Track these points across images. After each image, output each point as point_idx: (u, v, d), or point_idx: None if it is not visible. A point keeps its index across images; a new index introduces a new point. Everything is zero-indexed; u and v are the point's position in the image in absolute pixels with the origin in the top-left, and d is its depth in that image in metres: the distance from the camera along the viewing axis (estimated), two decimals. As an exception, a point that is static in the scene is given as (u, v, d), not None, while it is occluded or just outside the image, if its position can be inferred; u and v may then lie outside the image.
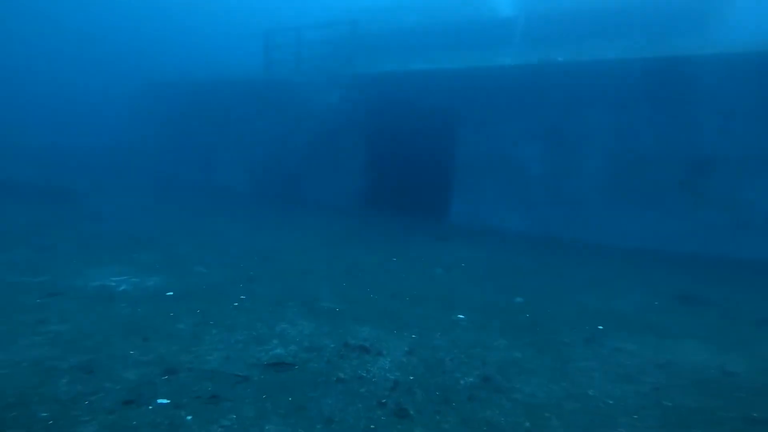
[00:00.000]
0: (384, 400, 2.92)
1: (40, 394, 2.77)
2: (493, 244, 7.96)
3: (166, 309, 4.29)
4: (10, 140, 15.68)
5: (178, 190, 12.62)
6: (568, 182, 8.71)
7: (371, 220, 9.83)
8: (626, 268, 6.71)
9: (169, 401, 2.78)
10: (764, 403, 3.08)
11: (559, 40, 10.38)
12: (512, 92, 9.12)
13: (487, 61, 8.40)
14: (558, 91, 8.73)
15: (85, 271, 5.28)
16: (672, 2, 10.39)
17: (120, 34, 18.59)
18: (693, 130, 7.77)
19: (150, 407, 2.70)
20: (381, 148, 11.35)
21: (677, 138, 7.88)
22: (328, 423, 2.65)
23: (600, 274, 6.32)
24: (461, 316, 4.48)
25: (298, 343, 3.72)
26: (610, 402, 3.03)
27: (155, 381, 3.00)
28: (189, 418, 2.62)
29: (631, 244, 8.13)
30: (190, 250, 6.46)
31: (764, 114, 7.33)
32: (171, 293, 4.71)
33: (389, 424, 2.67)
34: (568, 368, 3.51)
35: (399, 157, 11.66)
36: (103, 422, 2.53)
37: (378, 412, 2.79)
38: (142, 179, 13.95)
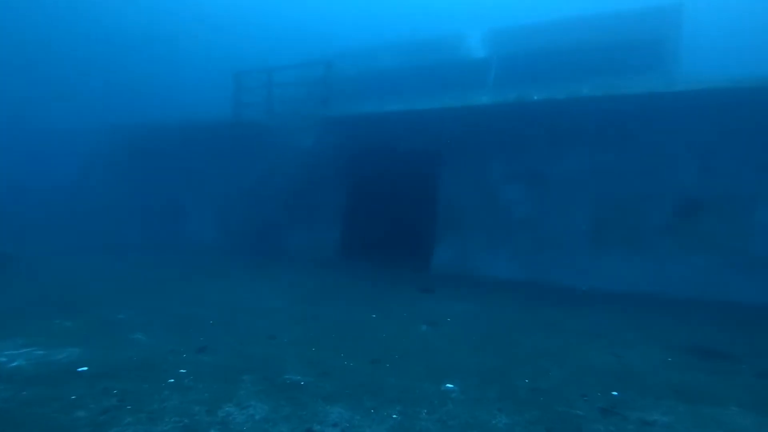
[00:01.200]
0: None
1: None
2: (480, 295, 7.31)
3: (68, 391, 3.39)
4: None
5: (139, 247, 11.67)
6: (553, 226, 8.37)
7: (352, 271, 9.11)
8: (623, 317, 6.12)
9: None
10: None
11: (534, 80, 10.38)
12: (492, 133, 8.88)
13: (464, 100, 8.14)
14: (537, 130, 8.54)
15: (-9, 344, 4.35)
16: (632, 41, 10.56)
17: (77, 69, 17.55)
18: (675, 171, 7.58)
19: None
20: (360, 194, 10.86)
21: (660, 179, 7.67)
22: None
23: (598, 325, 5.69)
24: (451, 386, 3.73)
25: (247, 435, 2.90)
26: None
27: None
28: None
29: (620, 288, 7.71)
30: (132, 315, 5.55)
31: (742, 151, 7.16)
32: (85, 369, 3.82)
33: None
34: (590, 456, 2.78)
35: (379, 204, 11.18)
36: None
37: None
38: (98, 236, 12.94)
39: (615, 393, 3.65)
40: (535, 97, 7.72)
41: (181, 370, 3.87)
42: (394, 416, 3.21)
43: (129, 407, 3.16)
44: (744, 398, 3.63)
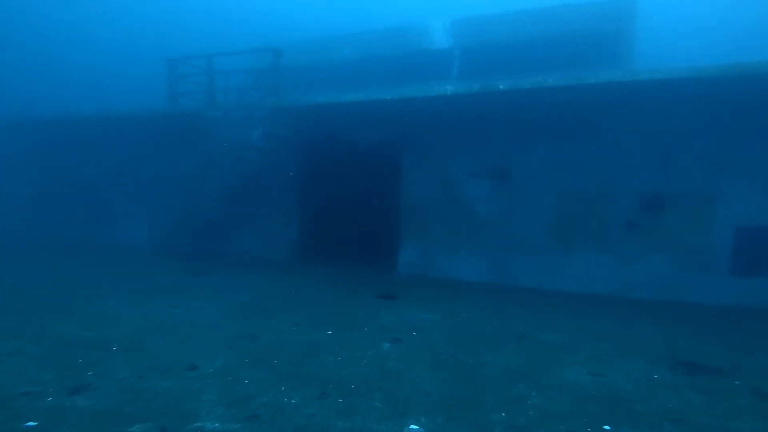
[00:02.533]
0: None
1: None
2: (446, 300, 6.72)
3: None
4: None
5: (52, 249, 10.25)
6: (519, 224, 7.98)
7: (307, 276, 8.30)
8: (595, 324, 5.70)
9: None
10: None
11: (497, 72, 9.95)
12: (456, 125, 8.32)
13: (426, 90, 7.52)
14: (501, 122, 8.09)
15: None
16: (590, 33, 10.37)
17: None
18: (636, 165, 7.33)
19: None
20: (316, 190, 10.04)
21: (622, 173, 7.40)
22: None
23: (571, 335, 5.22)
24: (415, 428, 3.07)
25: None
26: None
27: None
28: None
29: (587, 289, 7.42)
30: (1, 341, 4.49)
31: (702, 146, 6.96)
32: None
33: None
34: None
35: (337, 201, 10.40)
36: None
37: None
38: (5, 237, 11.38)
39: (607, 427, 3.11)
40: (501, 87, 7.22)
41: (29, 424, 2.94)
42: (342, 480, 2.51)
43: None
44: (753, 429, 3.18)
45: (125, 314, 5.53)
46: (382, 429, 3.03)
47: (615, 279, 7.38)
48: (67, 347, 4.33)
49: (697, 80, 6.27)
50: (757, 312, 6.38)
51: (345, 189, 10.16)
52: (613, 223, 7.43)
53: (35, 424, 2.90)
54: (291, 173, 9.14)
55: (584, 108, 7.52)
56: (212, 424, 3.00)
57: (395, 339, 4.90)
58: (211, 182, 8.83)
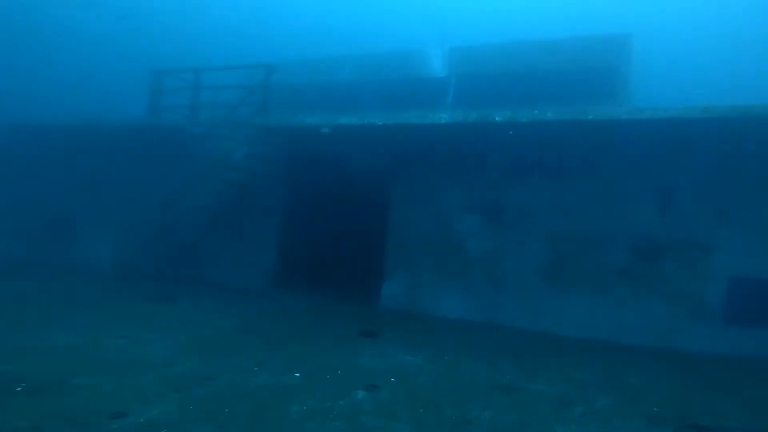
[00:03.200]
0: None
1: None
2: (431, 341, 6.27)
3: None
4: None
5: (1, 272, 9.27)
6: (510, 262, 7.64)
7: (284, 305, 7.82)
8: (590, 374, 5.29)
9: None
10: None
11: (493, 103, 9.80)
12: (450, 156, 8.08)
13: (421, 117, 7.28)
14: (496, 155, 7.85)
15: None
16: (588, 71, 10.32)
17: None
18: (633, 210, 7.05)
19: None
20: (300, 215, 9.65)
21: (621, 217, 7.14)
22: None
23: (565, 386, 4.79)
24: (385, 508, 2.61)
25: None
26: None
27: None
28: None
29: (581, 334, 7.00)
30: None
31: (701, 192, 6.74)
32: None
33: None
34: None
35: (321, 227, 10.01)
36: None
37: None
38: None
39: None
40: (497, 119, 6.98)
41: None
42: None
43: None
44: None
45: (60, 346, 4.94)
46: None
47: (608, 324, 7.03)
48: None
49: (702, 121, 6.06)
50: (747, 362, 6.04)
51: (330, 216, 9.79)
52: (608, 267, 7.14)
53: None
54: (274, 196, 8.75)
55: (582, 145, 7.32)
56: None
57: (372, 386, 4.43)
58: (188, 202, 8.38)
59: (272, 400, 3.92)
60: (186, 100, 8.91)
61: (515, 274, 7.56)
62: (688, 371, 5.61)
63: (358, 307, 8.07)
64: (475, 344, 6.26)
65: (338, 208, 9.62)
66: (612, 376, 5.23)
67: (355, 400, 4.06)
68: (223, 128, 8.02)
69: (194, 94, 8.78)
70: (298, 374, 4.60)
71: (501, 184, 7.78)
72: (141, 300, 7.50)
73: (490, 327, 7.29)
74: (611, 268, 7.13)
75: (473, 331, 6.95)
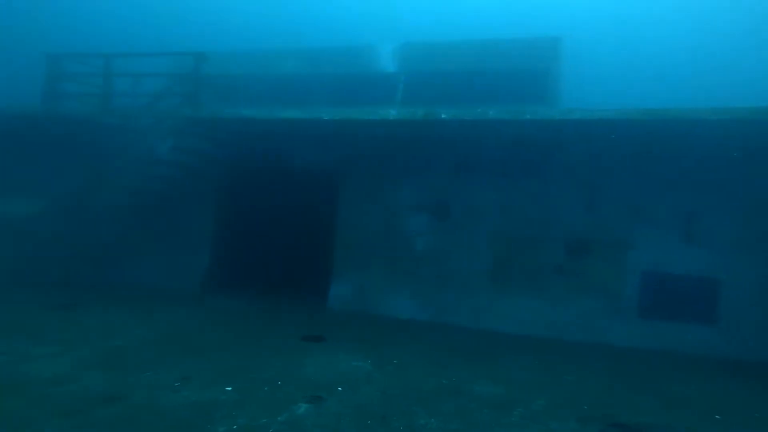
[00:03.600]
0: None
1: None
2: (379, 343, 6.17)
3: None
4: None
5: None
6: (456, 262, 7.75)
7: (217, 311, 7.36)
8: (530, 373, 5.41)
9: None
10: None
11: (441, 101, 9.82)
12: (398, 153, 7.98)
13: (369, 113, 7.10)
14: (443, 154, 7.85)
15: None
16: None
17: None
18: (567, 209, 7.36)
19: None
20: (236, 213, 9.16)
21: (554, 214, 7.42)
22: None
23: (507, 387, 4.86)
24: None
25: None
26: None
27: None
28: None
29: (523, 331, 7.22)
30: None
31: (620, 191, 7.13)
32: None
33: None
34: None
35: (261, 226, 9.59)
36: None
37: None
38: None
39: None
40: (443, 116, 6.96)
41: None
42: None
43: None
44: None
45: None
46: None
47: (546, 321, 7.30)
48: None
49: (618, 122, 6.33)
50: (660, 355, 6.48)
51: (271, 213, 9.40)
52: (546, 265, 7.41)
53: None
54: (209, 192, 8.17)
55: (522, 144, 7.48)
56: None
57: (315, 397, 4.24)
58: (101, 199, 7.57)
59: (194, 421, 3.58)
60: (97, 89, 8.02)
61: (462, 274, 7.64)
62: (613, 367, 5.88)
63: (305, 310, 7.81)
64: (422, 346, 6.23)
65: (281, 206, 9.25)
66: (548, 375, 5.37)
67: (296, 415, 3.85)
68: (143, 119, 7.30)
69: (106, 82, 7.91)
70: (229, 388, 4.29)
71: (448, 183, 7.81)
72: (37, 308, 6.63)
73: (439, 327, 7.32)
74: (549, 266, 7.39)
75: (422, 332, 6.94)
